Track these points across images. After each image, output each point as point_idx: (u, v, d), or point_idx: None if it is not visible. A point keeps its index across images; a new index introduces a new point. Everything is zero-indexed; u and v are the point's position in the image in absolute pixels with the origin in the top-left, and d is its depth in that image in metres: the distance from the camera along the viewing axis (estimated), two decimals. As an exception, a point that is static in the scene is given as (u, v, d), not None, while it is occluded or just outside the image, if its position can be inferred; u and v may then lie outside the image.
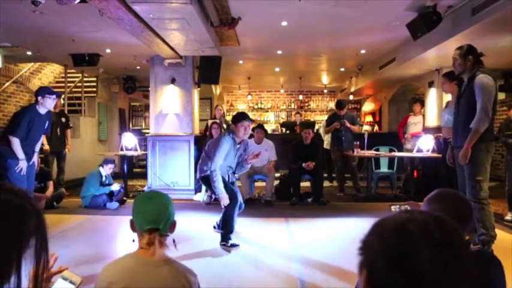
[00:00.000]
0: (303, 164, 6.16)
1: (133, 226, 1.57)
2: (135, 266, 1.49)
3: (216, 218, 4.40)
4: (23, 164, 4.25)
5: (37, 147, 4.59)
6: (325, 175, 8.02)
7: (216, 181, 3.94)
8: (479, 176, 3.40)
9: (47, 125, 4.48)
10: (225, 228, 4.02)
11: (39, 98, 4.27)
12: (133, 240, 1.57)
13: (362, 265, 0.72)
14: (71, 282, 1.16)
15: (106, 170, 6.13)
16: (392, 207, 1.83)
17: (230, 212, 4.00)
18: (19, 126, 4.21)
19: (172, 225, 1.59)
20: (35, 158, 4.62)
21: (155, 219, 1.52)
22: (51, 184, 5.88)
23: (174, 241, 1.61)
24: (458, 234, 0.71)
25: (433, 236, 0.67)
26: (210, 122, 6.88)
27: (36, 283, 0.82)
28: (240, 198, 4.23)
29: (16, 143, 4.21)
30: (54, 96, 4.32)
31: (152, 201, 1.57)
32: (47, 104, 4.30)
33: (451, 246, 0.68)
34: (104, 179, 6.08)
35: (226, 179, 4.17)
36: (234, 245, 3.98)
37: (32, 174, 4.55)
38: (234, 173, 4.35)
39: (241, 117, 4.15)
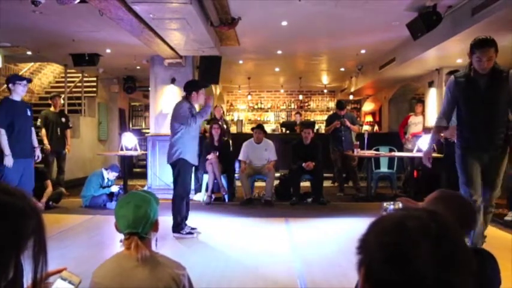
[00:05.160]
0: (303, 164, 6.16)
1: (117, 228, 1.59)
2: (117, 268, 1.51)
3: (216, 217, 4.41)
4: (8, 161, 4.15)
5: (34, 142, 4.52)
6: (331, 175, 7.99)
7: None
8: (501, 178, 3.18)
9: (29, 113, 4.42)
10: (175, 218, 4.35)
11: (10, 85, 4.29)
12: (121, 241, 1.59)
13: (360, 263, 0.72)
14: (70, 282, 1.15)
15: (109, 176, 6.13)
16: (385, 204, 1.83)
17: (176, 203, 4.39)
18: None
19: (154, 225, 1.59)
20: (37, 153, 4.59)
21: (132, 223, 1.53)
22: (49, 183, 5.87)
23: (156, 240, 1.64)
24: (453, 227, 0.71)
25: (430, 230, 0.68)
26: (207, 126, 6.87)
27: (36, 284, 0.81)
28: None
29: (2, 135, 4.16)
30: (24, 82, 4.32)
31: (129, 205, 1.56)
32: (19, 91, 4.29)
33: (448, 239, 0.68)
34: (105, 181, 6.08)
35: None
36: (190, 233, 4.35)
37: (31, 174, 4.42)
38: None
39: (202, 85, 4.72)
